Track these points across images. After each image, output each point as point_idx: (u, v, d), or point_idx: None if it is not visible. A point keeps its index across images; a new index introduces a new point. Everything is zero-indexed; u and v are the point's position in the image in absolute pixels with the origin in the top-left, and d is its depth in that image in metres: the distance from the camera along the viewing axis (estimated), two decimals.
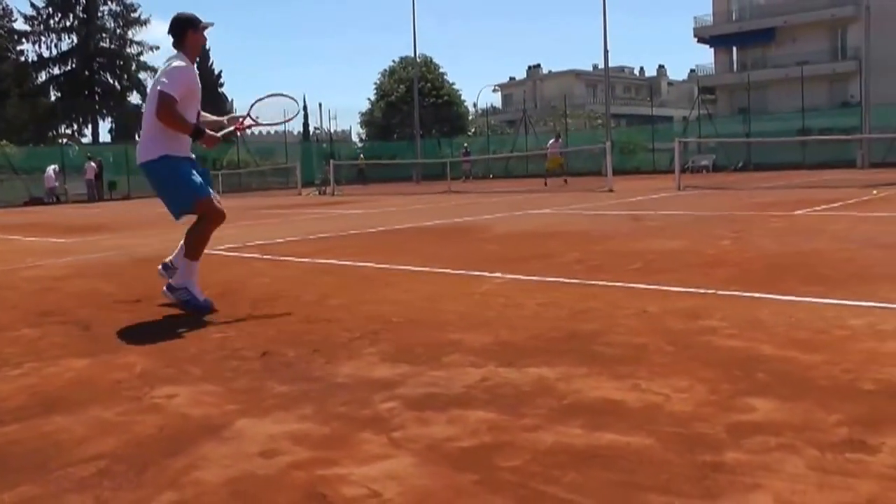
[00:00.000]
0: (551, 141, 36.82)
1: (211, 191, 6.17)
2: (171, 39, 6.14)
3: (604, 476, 2.67)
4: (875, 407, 3.25)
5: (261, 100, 6.75)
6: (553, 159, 34.69)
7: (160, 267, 6.42)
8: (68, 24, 61.77)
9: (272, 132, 62.26)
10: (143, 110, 6.32)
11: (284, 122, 7.26)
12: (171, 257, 6.35)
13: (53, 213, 27.46)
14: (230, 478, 2.80)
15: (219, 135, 6.32)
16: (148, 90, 6.38)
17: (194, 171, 6.11)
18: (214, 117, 6.72)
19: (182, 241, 6.16)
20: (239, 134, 7.10)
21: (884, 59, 48.80)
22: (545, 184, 32.84)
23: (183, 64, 6.01)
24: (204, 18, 6.19)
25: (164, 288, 6.19)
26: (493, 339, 4.75)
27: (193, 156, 6.29)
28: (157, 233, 14.14)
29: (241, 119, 6.70)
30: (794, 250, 8.34)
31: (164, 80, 5.86)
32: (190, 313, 5.97)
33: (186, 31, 6.11)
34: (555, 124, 61.18)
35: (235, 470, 2.87)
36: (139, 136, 6.29)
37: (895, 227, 10.40)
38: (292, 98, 6.94)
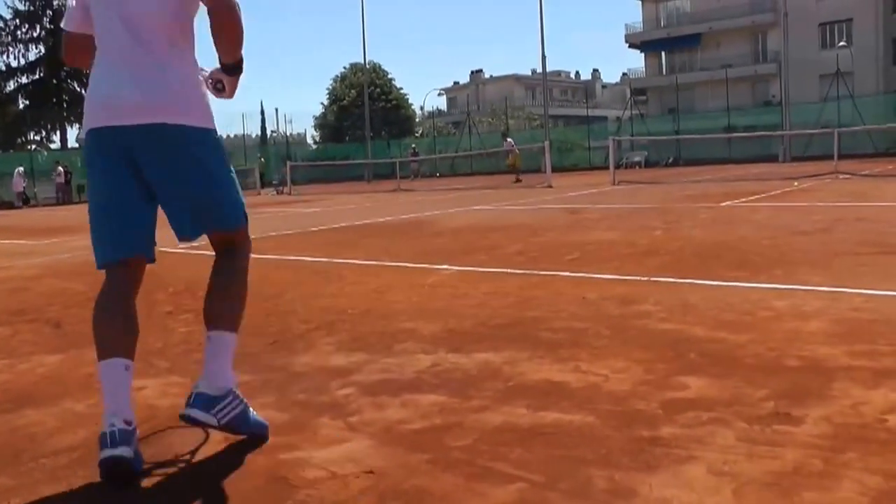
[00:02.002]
0: (508, 140, 36.30)
1: None
2: None
3: (548, 452, 2.68)
4: (798, 382, 3.30)
5: None
6: (512, 157, 34.46)
7: (119, 448, 2.61)
8: (35, 34, 60.85)
9: (233, 135, 61.71)
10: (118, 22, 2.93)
11: None
12: (122, 415, 2.71)
13: (23, 217, 27.03)
14: (196, 464, 2.78)
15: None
16: None
17: None
18: None
19: (125, 349, 2.87)
20: None
21: (801, 62, 49.53)
22: (517, 180, 32.38)
23: None
24: None
25: (184, 412, 2.88)
26: (442, 327, 4.75)
27: None
28: None
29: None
30: (721, 239, 8.43)
31: None
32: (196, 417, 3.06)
33: None
34: (497, 125, 61.28)
35: (201, 457, 2.85)
36: (119, 71, 2.93)
37: (814, 215, 10.55)
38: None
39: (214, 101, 3.08)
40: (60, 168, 41.85)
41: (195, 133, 2.95)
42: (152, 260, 3.16)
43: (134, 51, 2.91)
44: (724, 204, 13.61)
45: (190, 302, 6.02)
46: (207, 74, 3.08)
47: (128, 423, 2.70)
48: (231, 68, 3.05)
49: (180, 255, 9.32)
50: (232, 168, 3.16)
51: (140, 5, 2.90)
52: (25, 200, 40.69)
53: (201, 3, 2.93)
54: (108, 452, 2.61)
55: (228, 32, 2.95)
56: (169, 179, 2.96)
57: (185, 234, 3.14)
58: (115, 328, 2.88)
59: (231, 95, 3.14)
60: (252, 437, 2.97)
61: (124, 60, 2.92)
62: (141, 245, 3.05)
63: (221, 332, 3.12)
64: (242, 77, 3.12)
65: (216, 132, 3.07)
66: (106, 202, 2.98)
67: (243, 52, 3.09)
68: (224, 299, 3.23)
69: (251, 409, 3.04)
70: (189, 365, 4.20)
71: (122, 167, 2.92)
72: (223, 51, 2.99)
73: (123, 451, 2.61)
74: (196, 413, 2.85)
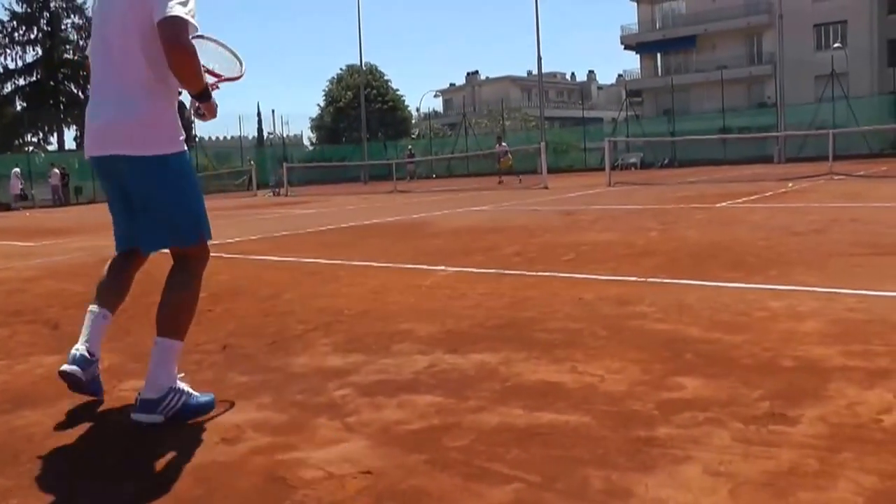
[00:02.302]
0: (501, 145, 36.32)
1: None
2: None
3: (544, 452, 2.69)
4: (794, 382, 3.31)
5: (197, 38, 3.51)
6: (504, 161, 34.49)
7: (74, 367, 3.39)
8: (33, 36, 60.77)
9: (230, 137, 61.74)
10: (95, 46, 3.48)
11: (238, 78, 4.02)
12: (88, 345, 3.48)
13: (21, 218, 26.99)
14: (194, 465, 2.78)
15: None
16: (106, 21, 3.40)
17: None
18: None
19: (97, 311, 3.58)
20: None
21: (796, 63, 49.58)
22: (500, 182, 32.51)
23: None
24: None
25: (133, 417, 3.28)
26: (439, 328, 4.76)
27: None
28: None
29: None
30: (716, 240, 8.44)
31: (162, 2, 3.15)
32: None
33: None
34: (492, 127, 61.29)
35: (200, 457, 2.85)
36: (98, 101, 3.44)
37: (809, 216, 10.56)
38: (229, 49, 4.06)
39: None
40: (56, 170, 41.77)
41: (151, 161, 3.32)
42: (145, 254, 3.76)
43: (106, 73, 3.39)
44: (719, 205, 13.62)
45: None
46: (191, 101, 3.47)
47: (90, 353, 3.45)
48: (198, 97, 3.41)
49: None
50: (192, 188, 3.50)
51: (115, 27, 3.32)
52: (23, 198, 40.69)
53: None
54: (65, 367, 3.37)
55: (178, 70, 3.21)
56: (135, 200, 3.46)
57: (145, 248, 3.68)
58: (108, 287, 3.65)
59: (211, 117, 3.59)
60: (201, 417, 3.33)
61: (99, 86, 3.43)
62: (132, 243, 3.66)
63: (165, 338, 3.39)
64: (243, 81, 3.69)
65: (178, 154, 3.39)
66: (111, 210, 3.72)
67: (241, 61, 3.85)
68: (170, 309, 3.49)
69: (193, 392, 3.40)
70: (187, 366, 4.19)
71: (114, 186, 3.56)
72: (182, 85, 3.35)
73: (75, 370, 3.36)
74: (141, 417, 3.26)
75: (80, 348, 3.42)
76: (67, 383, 3.40)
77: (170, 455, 2.88)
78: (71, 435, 3.20)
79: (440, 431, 2.96)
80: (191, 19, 3.19)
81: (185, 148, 3.46)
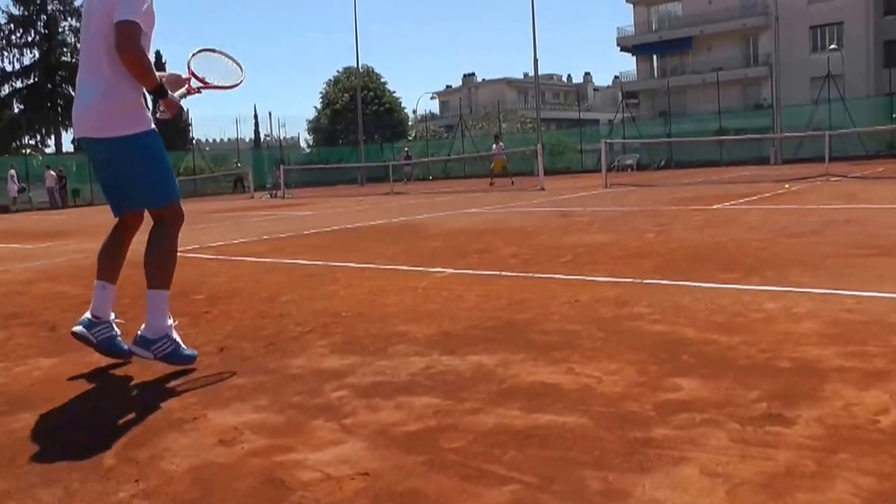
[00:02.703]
0: (498, 145, 36.22)
1: None
2: None
3: (542, 454, 2.69)
4: (790, 383, 3.31)
5: (198, 54, 4.66)
6: (498, 162, 34.40)
7: (80, 328, 4.19)
8: (30, 39, 60.85)
9: (227, 139, 61.78)
10: (82, 45, 4.18)
11: (235, 87, 4.85)
12: (92, 311, 4.22)
13: (18, 221, 26.95)
14: (192, 466, 2.78)
15: (177, 97, 4.32)
16: (89, 22, 4.03)
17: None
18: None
19: (98, 283, 4.27)
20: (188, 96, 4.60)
21: (792, 64, 49.74)
22: (491, 184, 32.49)
23: None
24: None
25: (128, 347, 4.18)
26: (436, 330, 4.76)
27: None
28: None
29: (188, 79, 4.52)
30: (713, 241, 8.44)
31: (121, 5, 3.78)
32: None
33: None
34: (489, 129, 61.31)
35: (198, 459, 2.85)
36: (79, 92, 4.12)
37: (805, 217, 10.57)
38: (233, 58, 4.85)
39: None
40: (52, 172, 41.72)
41: (116, 142, 4.00)
42: (140, 211, 4.31)
43: (86, 63, 4.05)
44: (715, 206, 13.63)
45: (183, 305, 6.01)
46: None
47: (96, 317, 4.17)
48: (153, 93, 4.03)
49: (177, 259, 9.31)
50: (159, 159, 4.11)
51: (95, 23, 3.94)
52: (22, 190, 40.74)
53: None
54: (74, 327, 4.16)
55: (129, 69, 3.86)
56: (106, 172, 4.24)
57: (118, 212, 4.33)
58: (104, 254, 4.26)
59: (171, 112, 4.17)
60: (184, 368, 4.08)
61: (81, 76, 4.11)
62: (120, 210, 4.33)
63: (154, 289, 4.06)
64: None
65: (141, 134, 4.01)
66: (99, 181, 4.41)
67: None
68: (154, 265, 4.10)
69: (182, 345, 4.11)
70: (184, 368, 4.20)
71: (96, 161, 4.24)
72: (136, 82, 3.96)
73: (80, 329, 4.13)
74: (138, 350, 4.02)
75: (88, 315, 4.18)
76: (81, 342, 4.17)
77: (167, 456, 2.88)
78: (69, 437, 3.20)
79: (437, 433, 2.96)
80: (135, 19, 3.78)
81: (150, 126, 4.06)
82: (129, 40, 3.76)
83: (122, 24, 3.76)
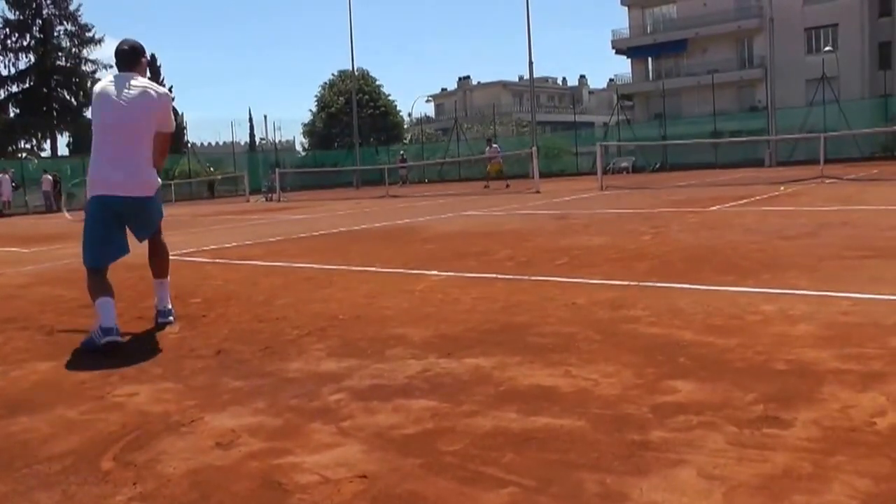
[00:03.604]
0: (494, 146, 35.95)
1: None
2: (123, 62, 5.49)
3: (539, 456, 2.69)
4: (787, 385, 3.32)
5: None
6: (494, 164, 34.22)
7: (162, 319, 5.70)
8: (25, 43, 60.74)
9: (222, 143, 61.74)
10: (117, 132, 5.31)
11: None
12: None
13: (13, 225, 26.91)
14: (190, 470, 2.78)
15: None
16: (137, 107, 5.31)
17: None
18: None
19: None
20: None
21: (787, 66, 49.81)
22: (486, 186, 32.37)
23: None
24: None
25: (167, 320, 5.66)
26: (433, 333, 4.76)
27: None
28: None
29: None
30: (708, 243, 8.46)
31: (173, 119, 5.62)
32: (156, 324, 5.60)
33: (141, 56, 5.58)
34: (484, 132, 61.31)
35: (195, 462, 2.85)
36: (121, 165, 5.28)
37: (800, 219, 10.58)
38: None
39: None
40: (48, 176, 41.65)
41: (152, 199, 5.46)
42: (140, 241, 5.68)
43: (125, 147, 5.32)
44: (711, 208, 13.65)
45: (180, 309, 6.01)
46: None
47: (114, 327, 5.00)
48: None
49: (174, 262, 9.30)
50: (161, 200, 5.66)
51: (144, 115, 5.32)
52: (16, 188, 40.65)
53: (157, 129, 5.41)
54: (108, 338, 4.79)
55: (161, 163, 5.55)
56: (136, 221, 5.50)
57: (106, 262, 5.33)
58: (103, 286, 5.11)
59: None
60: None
61: (117, 153, 5.31)
62: (120, 253, 5.42)
63: (163, 279, 5.79)
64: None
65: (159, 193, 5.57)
66: (104, 234, 5.36)
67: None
68: (163, 263, 5.81)
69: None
70: (181, 371, 4.21)
71: (113, 215, 5.34)
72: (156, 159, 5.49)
73: (115, 337, 4.85)
74: (168, 319, 5.64)
75: (111, 325, 4.89)
76: (109, 349, 4.79)
77: (165, 459, 2.88)
78: (66, 440, 3.19)
79: (435, 436, 2.97)
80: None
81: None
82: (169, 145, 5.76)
83: (170, 135, 5.65)
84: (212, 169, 47.14)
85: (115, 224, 5.32)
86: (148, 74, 5.82)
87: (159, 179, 5.58)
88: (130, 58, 5.49)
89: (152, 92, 5.38)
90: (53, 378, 4.28)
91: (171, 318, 5.66)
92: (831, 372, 3.48)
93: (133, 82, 5.34)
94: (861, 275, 5.94)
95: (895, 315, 4.50)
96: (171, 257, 5.96)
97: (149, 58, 5.88)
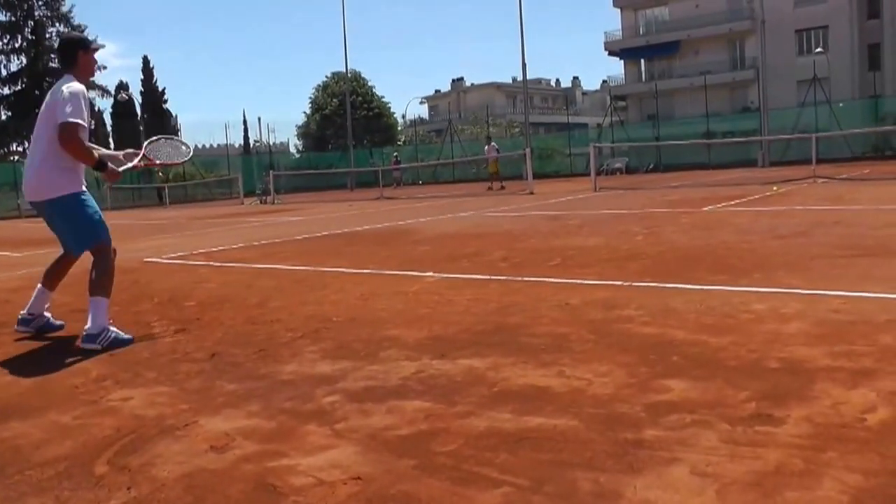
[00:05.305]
0: (492, 145, 35.59)
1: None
2: (60, 62, 5.49)
3: (533, 456, 2.69)
4: (779, 383, 3.33)
5: (154, 142, 6.08)
6: (492, 163, 33.95)
7: (20, 325, 5.71)
8: (17, 45, 60.57)
9: (216, 145, 61.59)
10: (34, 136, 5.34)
11: (181, 163, 6.58)
12: (29, 309, 5.71)
13: (6, 228, 26.84)
14: (184, 473, 2.78)
15: (120, 170, 5.51)
16: (42, 112, 5.22)
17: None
18: (105, 150, 5.80)
19: (40, 287, 5.72)
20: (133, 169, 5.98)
21: (779, 68, 49.90)
22: (490, 188, 31.89)
23: (82, 88, 5.21)
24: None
25: (83, 346, 5.02)
26: (427, 334, 4.76)
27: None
28: None
29: (137, 155, 5.85)
30: (701, 243, 8.47)
31: (68, 108, 4.99)
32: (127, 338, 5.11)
33: (77, 51, 5.36)
34: (478, 134, 61.33)
35: (189, 466, 2.84)
36: (28, 169, 5.37)
37: (792, 219, 10.61)
38: (184, 143, 6.35)
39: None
40: None
41: (53, 202, 5.22)
42: (76, 256, 5.64)
43: (33, 147, 5.34)
44: (704, 209, 13.67)
45: (174, 312, 6.00)
46: None
47: (30, 314, 5.71)
48: (94, 168, 5.25)
49: (164, 266, 9.30)
50: (82, 214, 5.26)
51: (39, 121, 5.20)
52: None
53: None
54: (16, 328, 5.52)
55: (78, 158, 5.16)
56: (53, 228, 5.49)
57: (70, 252, 5.64)
58: (50, 272, 5.70)
59: (112, 180, 5.53)
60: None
61: (30, 153, 5.40)
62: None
63: (95, 297, 5.10)
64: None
65: (69, 195, 5.20)
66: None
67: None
68: (94, 281, 5.17)
69: (120, 332, 5.12)
70: (175, 375, 4.20)
71: (45, 217, 5.43)
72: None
73: (22, 329, 5.64)
74: (87, 345, 4.98)
75: (22, 312, 5.65)
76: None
77: (159, 463, 2.88)
78: (59, 445, 3.18)
79: (429, 437, 2.97)
80: (79, 121, 5.00)
81: (77, 189, 5.24)
82: (71, 138, 5.02)
83: (63, 125, 4.99)
84: (161, 174, 46.25)
85: (49, 223, 5.51)
86: (98, 63, 5.70)
87: (73, 181, 5.25)
88: (62, 57, 5.46)
89: (62, 89, 5.12)
90: (45, 383, 4.27)
91: (93, 345, 4.96)
92: (823, 369, 3.49)
93: (58, 85, 5.22)
94: (852, 273, 5.96)
95: (885, 312, 4.52)
96: (161, 260, 5.87)
97: (95, 47, 5.54)
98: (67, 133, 4.99)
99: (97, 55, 5.58)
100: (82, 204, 5.28)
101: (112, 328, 5.12)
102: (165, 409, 3.60)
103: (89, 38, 5.70)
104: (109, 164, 5.34)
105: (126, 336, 5.15)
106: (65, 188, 5.20)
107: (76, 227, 5.34)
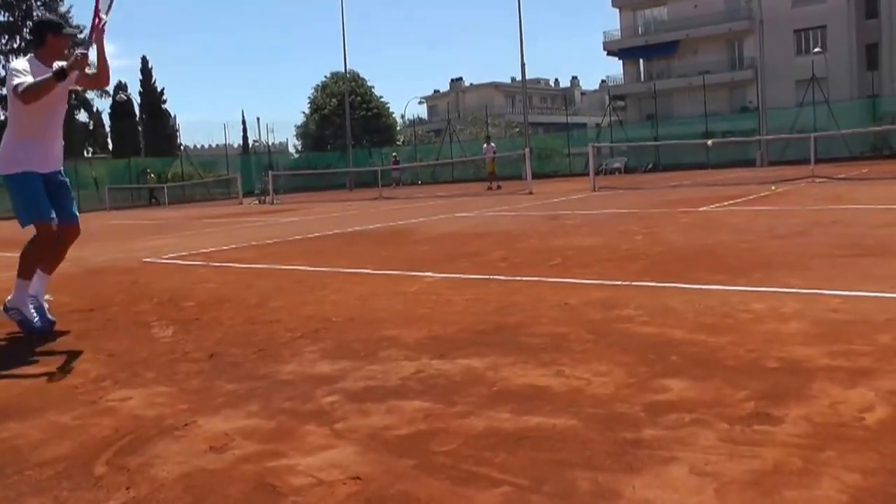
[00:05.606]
0: (491, 145, 35.57)
1: (53, 214, 5.63)
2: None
3: (532, 456, 2.69)
4: (778, 382, 3.33)
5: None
6: (490, 163, 33.94)
7: (36, 325, 5.71)
8: (15, 46, 60.56)
9: (215, 145, 61.54)
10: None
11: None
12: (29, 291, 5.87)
13: (6, 228, 26.80)
14: (183, 473, 2.77)
15: (78, 53, 5.33)
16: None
17: (42, 191, 5.61)
18: (57, 63, 5.51)
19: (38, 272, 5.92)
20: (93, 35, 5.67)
21: (777, 68, 49.94)
22: (489, 188, 31.97)
23: (17, 61, 5.47)
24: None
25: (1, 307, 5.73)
26: (426, 334, 4.76)
27: (60, 169, 5.88)
28: (108, 244, 13.87)
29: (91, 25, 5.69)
30: (700, 243, 8.47)
31: (13, 81, 5.25)
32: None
33: (46, 34, 5.57)
34: (477, 133, 61.33)
35: (189, 466, 2.84)
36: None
37: (791, 219, 10.62)
38: None
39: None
40: None
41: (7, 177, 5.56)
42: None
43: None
44: (702, 209, 13.68)
45: (173, 312, 6.00)
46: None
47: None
48: (58, 79, 5.23)
49: (163, 266, 9.30)
50: (16, 194, 5.58)
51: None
52: None
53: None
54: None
55: (39, 97, 5.26)
56: None
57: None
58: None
59: (82, 69, 5.46)
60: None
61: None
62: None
63: (19, 278, 5.59)
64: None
65: (9, 177, 5.54)
66: None
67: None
68: (20, 259, 5.63)
69: (36, 317, 5.62)
70: (175, 375, 4.19)
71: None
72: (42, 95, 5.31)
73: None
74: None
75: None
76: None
77: (158, 463, 2.87)
78: (58, 446, 3.18)
79: (428, 436, 2.97)
80: (21, 81, 5.19)
81: (17, 171, 5.53)
82: (20, 95, 5.20)
83: (14, 90, 5.22)
84: (151, 175, 45.93)
85: None
86: (77, 50, 5.52)
87: (17, 162, 5.55)
88: (32, 38, 5.79)
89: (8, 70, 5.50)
90: (44, 383, 4.26)
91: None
92: (821, 369, 3.49)
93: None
94: (851, 273, 5.96)
95: (884, 312, 4.52)
96: (161, 260, 5.96)
97: (68, 33, 5.78)
98: (22, 95, 5.24)
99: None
100: (21, 183, 5.58)
101: (25, 309, 5.62)
102: (164, 409, 3.60)
103: (67, 25, 5.98)
104: (65, 65, 5.31)
105: (37, 324, 5.59)
106: (11, 165, 5.58)
107: (16, 204, 5.66)
